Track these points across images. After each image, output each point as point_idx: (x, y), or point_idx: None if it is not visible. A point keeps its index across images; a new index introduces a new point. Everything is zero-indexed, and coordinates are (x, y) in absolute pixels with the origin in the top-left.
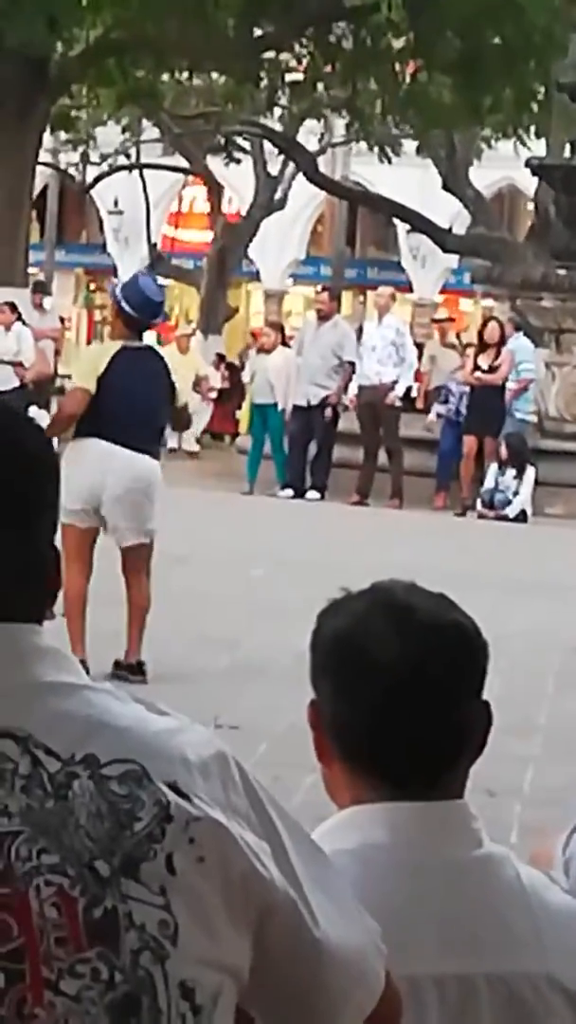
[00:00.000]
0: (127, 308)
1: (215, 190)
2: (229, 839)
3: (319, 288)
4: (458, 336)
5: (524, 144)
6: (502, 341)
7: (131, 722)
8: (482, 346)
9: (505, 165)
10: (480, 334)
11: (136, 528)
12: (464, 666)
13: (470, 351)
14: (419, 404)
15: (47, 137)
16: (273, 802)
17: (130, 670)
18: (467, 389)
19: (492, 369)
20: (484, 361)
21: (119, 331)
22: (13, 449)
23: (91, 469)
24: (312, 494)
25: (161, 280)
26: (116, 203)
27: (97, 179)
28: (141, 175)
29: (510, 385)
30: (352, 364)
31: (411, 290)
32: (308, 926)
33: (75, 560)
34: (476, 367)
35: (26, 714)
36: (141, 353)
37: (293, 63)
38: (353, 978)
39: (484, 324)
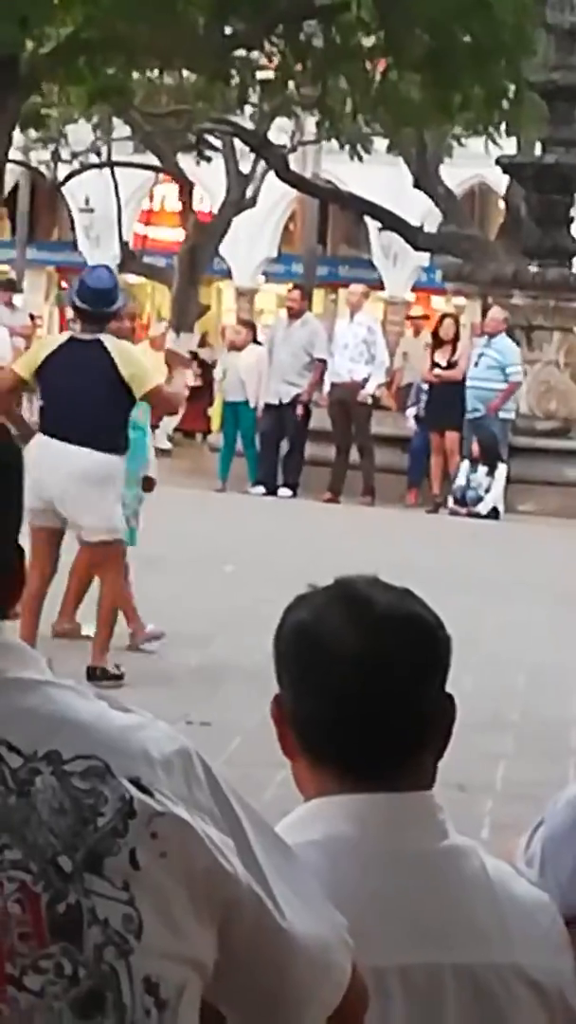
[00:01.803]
0: (77, 302)
1: (186, 188)
2: (192, 834)
3: (291, 286)
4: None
5: (495, 142)
6: (457, 337)
7: (94, 718)
8: (438, 342)
9: (476, 163)
10: (435, 331)
11: (91, 523)
12: (423, 658)
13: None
14: (391, 401)
15: (17, 135)
16: (237, 797)
17: (91, 675)
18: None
19: (451, 365)
20: (441, 357)
21: (78, 326)
22: None
23: (35, 465)
24: (284, 491)
25: (132, 278)
26: (87, 201)
27: (68, 177)
28: (112, 173)
29: (495, 385)
30: (323, 361)
31: (383, 288)
32: (273, 920)
33: (35, 559)
34: (434, 364)
35: None
36: (86, 346)
37: (264, 61)
38: (318, 971)
39: (440, 321)
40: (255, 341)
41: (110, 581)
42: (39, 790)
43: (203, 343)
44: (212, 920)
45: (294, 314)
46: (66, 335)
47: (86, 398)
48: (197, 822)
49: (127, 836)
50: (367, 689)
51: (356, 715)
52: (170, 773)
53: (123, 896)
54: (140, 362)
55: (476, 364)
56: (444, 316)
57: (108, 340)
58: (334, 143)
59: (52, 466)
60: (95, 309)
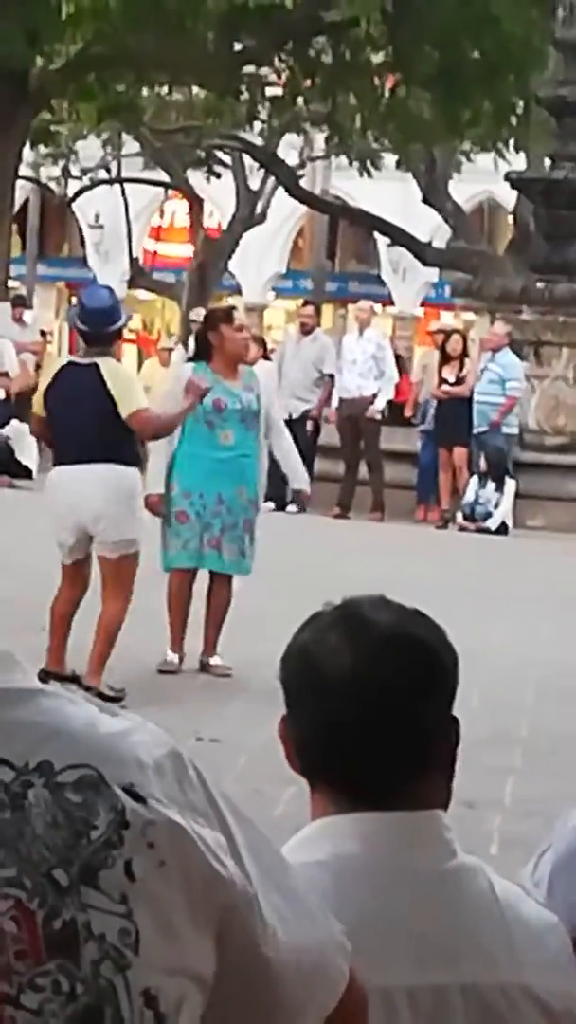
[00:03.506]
0: (78, 323)
1: (196, 204)
2: (187, 839)
3: (301, 302)
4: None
5: (503, 158)
6: (465, 353)
7: (84, 725)
8: (445, 358)
9: (485, 178)
10: (443, 347)
11: (120, 536)
12: (422, 680)
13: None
14: (408, 414)
15: (28, 151)
16: (226, 799)
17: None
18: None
19: (459, 381)
20: (449, 373)
21: (81, 348)
22: None
23: (63, 497)
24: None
25: (142, 294)
26: (97, 217)
27: (78, 193)
28: (122, 189)
29: (497, 400)
30: (332, 377)
31: (392, 303)
32: (261, 922)
33: (66, 582)
34: (442, 380)
35: None
36: (81, 370)
37: (273, 77)
38: (310, 973)
39: (446, 337)
40: (265, 357)
41: (120, 599)
42: (32, 804)
43: None
44: (210, 926)
45: (307, 330)
46: (64, 360)
47: (87, 420)
48: (190, 824)
49: (122, 847)
50: (360, 712)
51: (349, 739)
52: (162, 776)
53: (120, 909)
54: (128, 385)
55: (480, 379)
56: (451, 332)
57: (103, 362)
58: (343, 159)
59: (79, 490)
60: (95, 330)
